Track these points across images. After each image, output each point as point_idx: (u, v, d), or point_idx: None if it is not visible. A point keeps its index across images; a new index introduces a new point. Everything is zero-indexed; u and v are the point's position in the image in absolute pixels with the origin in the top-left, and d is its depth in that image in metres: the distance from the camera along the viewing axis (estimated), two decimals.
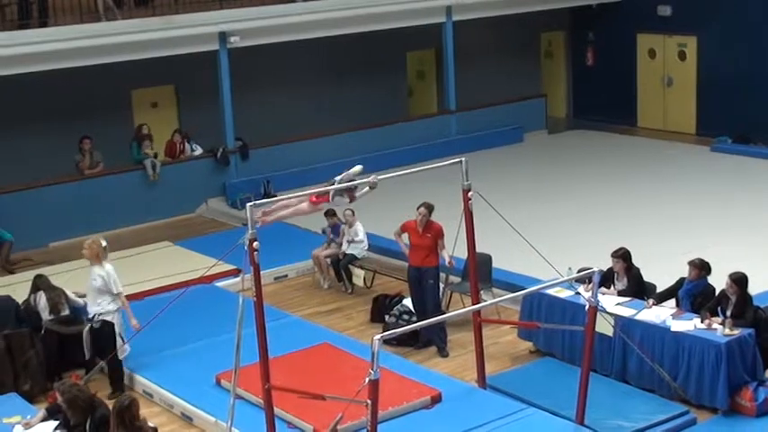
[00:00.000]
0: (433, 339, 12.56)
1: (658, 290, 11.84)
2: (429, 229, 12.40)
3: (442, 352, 12.47)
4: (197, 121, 20.23)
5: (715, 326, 10.66)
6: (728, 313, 10.75)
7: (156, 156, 19.05)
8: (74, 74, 18.07)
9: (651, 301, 11.42)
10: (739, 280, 10.81)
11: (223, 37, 19.25)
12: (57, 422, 9.72)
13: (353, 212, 14.80)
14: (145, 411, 10.27)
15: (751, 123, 21.67)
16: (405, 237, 12.89)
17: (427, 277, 12.40)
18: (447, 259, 12.51)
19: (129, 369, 11.85)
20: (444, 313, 12.39)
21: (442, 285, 12.99)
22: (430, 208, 12.50)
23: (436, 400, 10.79)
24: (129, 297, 13.08)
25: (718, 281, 11.37)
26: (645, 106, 24.35)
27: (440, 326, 12.35)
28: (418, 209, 12.57)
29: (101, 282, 11.35)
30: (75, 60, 17.71)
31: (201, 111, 20.21)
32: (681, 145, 22.38)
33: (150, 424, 8.97)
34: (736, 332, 10.52)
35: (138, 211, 18.80)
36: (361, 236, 14.87)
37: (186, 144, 19.80)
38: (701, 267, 11.40)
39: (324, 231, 15.48)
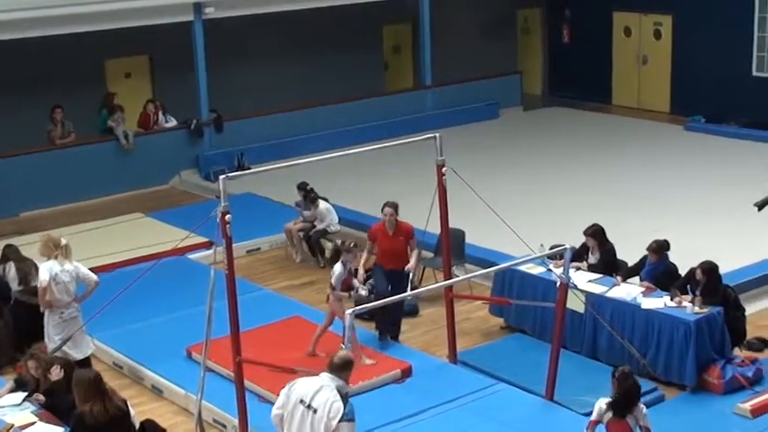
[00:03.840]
0: (384, 327, 11.85)
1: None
2: (399, 231, 11.70)
3: (383, 337, 11.78)
4: (171, 93, 20.10)
5: (685, 304, 10.73)
6: (698, 292, 10.81)
7: (126, 135, 18.89)
8: (46, 43, 17.89)
9: (619, 278, 11.48)
10: (709, 270, 10.84)
11: (198, 8, 19.13)
12: (25, 393, 9.68)
13: (314, 197, 14.77)
14: (114, 384, 10.27)
15: (724, 103, 21.76)
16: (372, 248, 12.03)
17: (404, 281, 11.70)
18: (411, 264, 11.67)
19: (99, 341, 11.78)
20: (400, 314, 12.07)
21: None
22: (395, 206, 11.69)
23: (407, 374, 10.82)
24: (101, 269, 13.05)
25: (688, 259, 11.43)
26: (620, 84, 24.39)
27: (394, 319, 11.90)
28: (383, 210, 11.72)
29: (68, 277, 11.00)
30: (48, 29, 17.54)
31: (176, 82, 20.08)
32: (655, 123, 22.45)
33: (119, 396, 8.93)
34: (706, 310, 10.60)
35: (110, 182, 18.68)
36: (326, 214, 14.82)
37: (160, 115, 19.67)
38: (659, 250, 11.43)
39: (297, 205, 15.44)
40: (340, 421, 7.21)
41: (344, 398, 7.31)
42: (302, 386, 7.48)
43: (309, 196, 14.85)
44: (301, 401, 7.40)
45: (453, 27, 23.76)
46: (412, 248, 11.77)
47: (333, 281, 11.30)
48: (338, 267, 11.38)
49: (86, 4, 17.64)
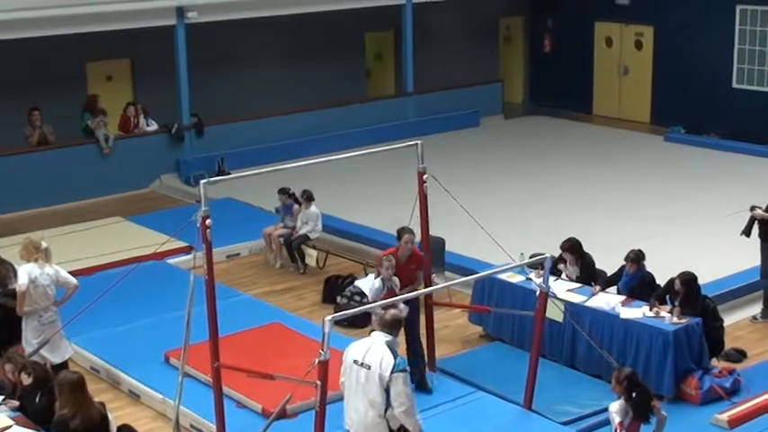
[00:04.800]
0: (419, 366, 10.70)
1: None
2: (412, 259, 10.81)
3: (426, 387, 10.70)
4: (152, 96, 20.03)
5: (663, 314, 10.76)
6: (676, 303, 10.85)
7: (107, 138, 18.83)
8: (27, 45, 17.82)
9: (597, 287, 11.51)
10: (688, 281, 10.87)
11: (181, 12, 19.09)
12: (1, 397, 9.62)
13: (309, 197, 14.76)
14: (91, 388, 10.17)
15: (705, 114, 21.88)
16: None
17: (413, 310, 10.62)
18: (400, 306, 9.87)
19: (77, 345, 11.72)
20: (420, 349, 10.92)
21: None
22: (413, 233, 10.78)
23: None
24: (80, 272, 12.97)
25: (666, 270, 11.48)
26: (601, 94, 24.48)
27: (421, 353, 10.84)
28: (401, 237, 10.75)
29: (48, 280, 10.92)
30: (29, 31, 17.47)
31: (157, 86, 20.02)
32: (635, 134, 22.54)
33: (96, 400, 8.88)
34: (684, 321, 10.63)
35: (90, 185, 18.61)
36: (315, 218, 14.80)
37: (141, 119, 19.62)
38: (637, 260, 11.47)
39: (277, 210, 15.42)
40: (392, 372, 7.62)
41: (393, 351, 7.73)
42: (355, 348, 7.93)
43: (307, 195, 14.79)
44: (355, 362, 7.85)
45: (435, 35, 23.81)
46: (418, 281, 10.92)
47: (370, 296, 10.45)
48: (378, 282, 10.49)
49: (68, 7, 17.58)
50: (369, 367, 7.75)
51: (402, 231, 10.79)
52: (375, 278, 10.63)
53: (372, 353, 7.78)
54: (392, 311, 8.04)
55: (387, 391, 7.70)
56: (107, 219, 16.92)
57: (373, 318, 8.64)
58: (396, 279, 10.46)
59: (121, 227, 16.46)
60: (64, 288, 10.71)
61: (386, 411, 7.74)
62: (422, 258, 10.82)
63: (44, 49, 18.38)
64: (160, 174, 19.63)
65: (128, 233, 15.91)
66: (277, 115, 21.00)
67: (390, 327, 7.88)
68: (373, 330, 8.05)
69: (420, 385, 10.39)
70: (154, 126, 19.75)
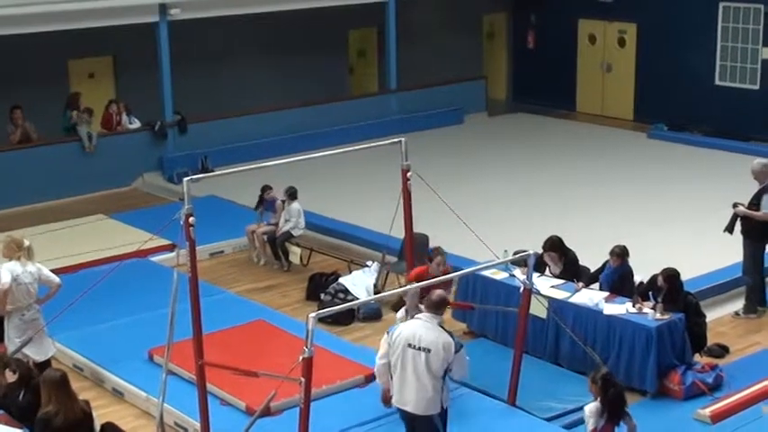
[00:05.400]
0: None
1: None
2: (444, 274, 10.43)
3: None
4: (135, 94, 19.98)
5: (646, 310, 10.80)
6: (659, 299, 10.89)
7: (90, 136, 18.77)
8: (8, 42, 17.74)
9: (580, 283, 11.54)
10: (671, 277, 10.91)
11: (163, 9, 19.04)
12: None
13: (291, 194, 14.75)
14: (75, 386, 10.15)
15: (687, 111, 21.96)
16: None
17: None
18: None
19: (60, 342, 11.67)
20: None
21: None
22: (444, 254, 10.69)
23: (370, 379, 10.80)
24: (63, 270, 12.95)
25: (649, 266, 11.52)
26: (584, 91, 24.54)
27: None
28: (434, 258, 10.65)
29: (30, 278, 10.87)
30: (9, 28, 17.38)
31: (140, 83, 19.97)
32: (618, 130, 22.61)
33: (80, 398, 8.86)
34: (667, 317, 10.67)
35: (72, 184, 18.55)
36: (296, 214, 14.79)
37: (124, 116, 19.56)
38: (622, 255, 11.51)
39: (256, 208, 15.38)
40: (456, 353, 8.17)
41: (445, 329, 8.25)
42: (406, 331, 8.29)
43: (289, 192, 14.78)
44: (410, 345, 8.20)
45: (419, 32, 23.82)
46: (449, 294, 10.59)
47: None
48: (400, 313, 10.22)
49: (50, 4, 17.52)
50: (429, 350, 8.15)
51: (435, 252, 10.79)
52: (400, 308, 10.25)
53: (428, 335, 8.19)
54: (438, 292, 8.45)
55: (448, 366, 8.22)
56: (90, 216, 16.87)
57: (407, 299, 9.54)
58: (422, 308, 9.76)
59: (104, 225, 16.41)
60: (46, 286, 10.68)
61: (441, 387, 8.26)
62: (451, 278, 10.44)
63: (26, 47, 18.31)
64: (143, 171, 19.58)
65: (111, 231, 15.86)
66: (260, 113, 20.96)
67: (437, 307, 8.32)
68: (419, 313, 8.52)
69: None
70: (136, 124, 19.70)
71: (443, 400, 8.35)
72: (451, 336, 8.28)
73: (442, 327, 8.29)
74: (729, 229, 12.52)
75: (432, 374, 8.21)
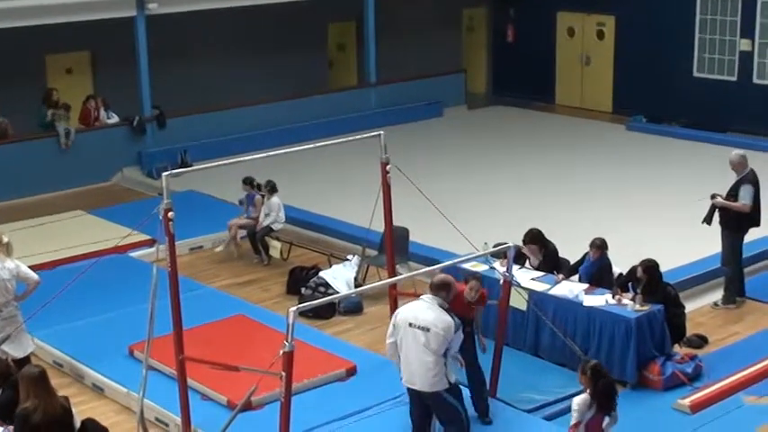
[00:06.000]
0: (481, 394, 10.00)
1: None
2: (478, 300, 9.83)
3: (485, 418, 9.86)
4: (113, 89, 19.90)
5: (625, 301, 10.84)
6: (639, 290, 10.93)
7: (67, 133, 18.68)
8: None
9: (560, 275, 11.56)
10: (650, 268, 10.95)
11: (141, 3, 18.97)
12: None
13: (272, 188, 14.73)
14: (55, 382, 10.11)
15: (666, 103, 22.04)
16: None
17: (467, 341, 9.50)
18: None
19: (39, 339, 11.62)
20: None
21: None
22: (480, 280, 9.90)
23: (351, 372, 10.82)
24: (41, 266, 12.90)
25: (628, 257, 11.56)
26: (563, 84, 24.59)
27: (480, 381, 9.90)
28: (468, 282, 9.74)
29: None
30: None
31: (118, 78, 19.89)
32: (597, 123, 22.67)
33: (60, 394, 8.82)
34: (646, 308, 10.71)
35: (51, 179, 18.46)
36: (276, 208, 14.77)
37: (102, 111, 19.48)
38: (602, 247, 11.54)
39: (241, 202, 15.38)
40: (455, 332, 8.38)
41: (449, 313, 8.41)
42: (406, 311, 8.57)
43: (269, 186, 14.75)
44: (410, 324, 8.45)
45: (398, 25, 23.80)
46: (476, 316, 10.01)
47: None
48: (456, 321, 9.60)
49: None
50: (428, 330, 8.35)
51: (471, 278, 9.92)
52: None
53: (427, 315, 8.41)
54: (440, 275, 8.69)
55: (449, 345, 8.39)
56: (69, 212, 16.78)
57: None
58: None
59: (83, 220, 16.34)
60: (25, 283, 10.62)
61: (445, 363, 8.42)
62: (485, 295, 9.91)
63: (3, 42, 18.20)
64: (122, 167, 19.51)
65: (90, 227, 15.80)
66: (240, 107, 20.93)
67: (437, 288, 8.52)
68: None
69: (481, 413, 9.75)
70: (115, 119, 19.63)
71: (448, 375, 8.52)
72: (452, 316, 8.43)
73: (442, 308, 8.45)
74: (708, 220, 12.57)
75: (432, 353, 8.40)
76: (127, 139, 19.61)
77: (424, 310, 8.51)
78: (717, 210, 12.52)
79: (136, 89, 19.50)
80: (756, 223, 12.65)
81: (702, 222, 12.60)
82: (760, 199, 12.53)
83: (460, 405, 8.66)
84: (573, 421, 8.12)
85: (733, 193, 12.44)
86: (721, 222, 12.60)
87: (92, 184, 18.98)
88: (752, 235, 12.96)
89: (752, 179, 12.43)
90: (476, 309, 9.85)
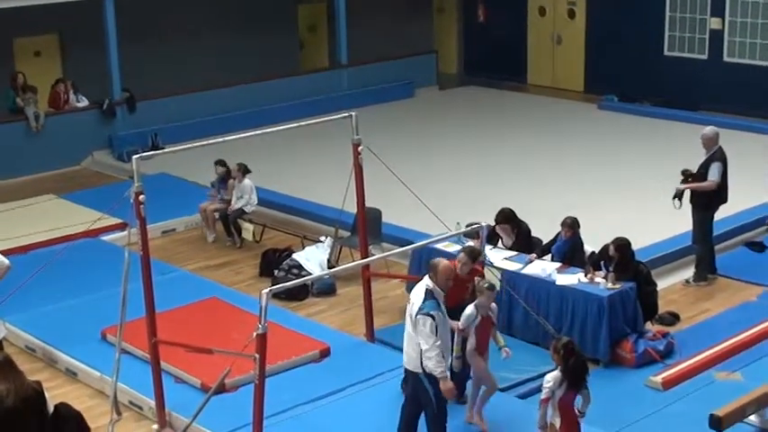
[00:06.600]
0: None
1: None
2: (472, 274, 9.63)
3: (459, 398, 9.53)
4: (83, 72, 19.75)
5: (598, 280, 10.89)
6: (611, 268, 10.98)
7: (37, 116, 18.54)
8: None
9: (533, 255, 11.60)
10: (622, 246, 11.00)
11: None
12: None
13: (243, 170, 14.68)
14: (27, 367, 10.10)
15: (637, 82, 22.11)
16: None
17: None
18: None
19: (11, 324, 11.56)
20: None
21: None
22: (471, 253, 9.62)
23: (324, 354, 10.82)
24: (12, 251, 12.80)
25: (600, 236, 11.61)
26: (535, 63, 24.61)
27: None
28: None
29: None
30: None
31: (88, 61, 19.73)
32: (569, 102, 22.71)
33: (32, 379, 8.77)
34: (619, 286, 10.77)
35: (20, 163, 18.33)
36: (249, 190, 14.73)
37: (71, 95, 19.34)
38: (573, 226, 11.57)
39: (212, 185, 15.32)
40: (417, 314, 8.21)
41: (427, 294, 8.27)
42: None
43: (241, 168, 14.69)
44: (409, 299, 8.58)
45: (369, 6, 23.72)
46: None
47: (460, 324, 9.15)
48: (470, 309, 9.19)
49: None
50: (412, 303, 8.39)
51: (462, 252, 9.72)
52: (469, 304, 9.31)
53: (415, 291, 8.46)
54: (436, 259, 8.58)
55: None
56: (39, 197, 16.67)
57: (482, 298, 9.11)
58: (494, 306, 9.30)
59: (54, 204, 16.24)
60: None
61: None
62: (479, 271, 9.74)
63: None
64: (92, 150, 19.40)
65: (61, 211, 15.70)
66: (210, 89, 20.82)
67: (430, 270, 8.45)
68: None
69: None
70: (84, 102, 19.49)
71: (427, 364, 8.35)
72: (424, 300, 8.25)
73: (427, 289, 8.31)
74: (678, 197, 12.63)
75: (409, 331, 8.40)
76: (97, 123, 19.49)
77: (417, 287, 8.52)
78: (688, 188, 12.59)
79: (105, 72, 19.36)
80: (724, 200, 12.73)
81: (673, 199, 12.64)
82: (727, 177, 12.61)
83: (433, 393, 8.41)
84: (543, 396, 8.17)
85: (703, 171, 12.51)
86: (691, 201, 12.68)
87: (62, 168, 18.85)
88: (722, 213, 13.05)
89: (720, 157, 12.50)
90: (469, 287, 9.35)
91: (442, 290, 8.39)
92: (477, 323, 9.10)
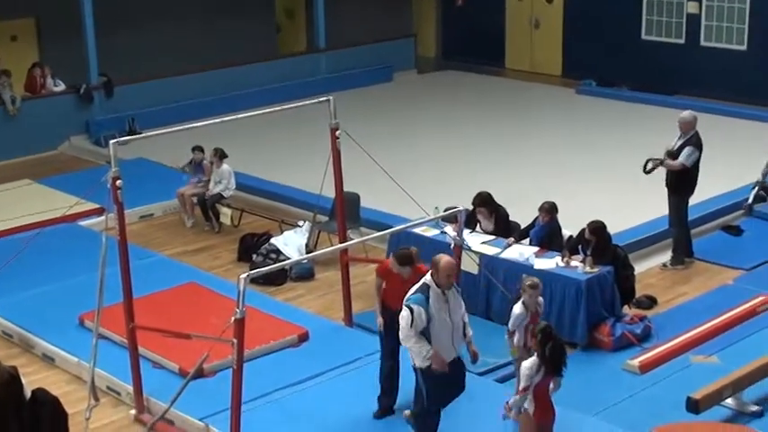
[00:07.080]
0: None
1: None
2: (416, 274, 9.06)
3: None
4: (59, 56, 19.61)
5: (575, 264, 10.92)
6: (588, 252, 11.01)
7: (13, 99, 18.42)
8: None
9: (511, 239, 11.62)
10: (597, 230, 11.04)
11: None
12: None
13: (221, 155, 14.63)
14: (4, 353, 10.08)
15: (615, 67, 22.14)
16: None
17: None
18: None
19: None
20: None
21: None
22: (401, 260, 9.22)
23: (303, 338, 10.83)
24: None
25: (578, 220, 11.63)
26: (513, 48, 24.61)
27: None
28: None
29: None
30: None
31: (64, 45, 19.59)
32: (547, 87, 22.73)
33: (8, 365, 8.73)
34: (596, 270, 10.81)
35: None
36: (227, 175, 14.69)
37: (48, 79, 19.22)
38: (551, 210, 11.60)
39: (184, 169, 15.22)
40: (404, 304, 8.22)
41: (421, 288, 8.23)
42: None
43: (218, 153, 14.65)
44: None
45: None
46: None
47: (510, 325, 9.25)
48: (518, 308, 9.21)
49: None
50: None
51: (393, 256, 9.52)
52: (516, 302, 9.33)
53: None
54: (438, 255, 8.41)
55: None
56: (16, 182, 16.58)
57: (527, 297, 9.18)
58: (541, 300, 9.33)
59: (31, 189, 16.15)
60: None
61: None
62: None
63: None
64: (69, 135, 19.28)
65: (37, 196, 15.62)
66: (188, 73, 20.71)
67: (430, 265, 8.36)
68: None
69: None
70: (61, 86, 19.37)
71: (413, 358, 8.34)
72: (414, 292, 8.22)
73: (423, 283, 8.26)
74: (648, 171, 12.67)
75: None
76: (74, 108, 19.37)
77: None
78: (666, 171, 12.62)
79: (82, 56, 19.24)
80: (691, 191, 12.73)
81: (644, 167, 12.69)
82: (699, 167, 12.63)
83: (426, 391, 8.36)
84: (522, 385, 8.08)
85: (677, 154, 12.53)
86: (667, 184, 12.72)
87: (39, 152, 18.74)
88: (698, 197, 13.11)
89: (696, 142, 12.52)
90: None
91: (442, 286, 8.24)
92: (526, 321, 9.11)
